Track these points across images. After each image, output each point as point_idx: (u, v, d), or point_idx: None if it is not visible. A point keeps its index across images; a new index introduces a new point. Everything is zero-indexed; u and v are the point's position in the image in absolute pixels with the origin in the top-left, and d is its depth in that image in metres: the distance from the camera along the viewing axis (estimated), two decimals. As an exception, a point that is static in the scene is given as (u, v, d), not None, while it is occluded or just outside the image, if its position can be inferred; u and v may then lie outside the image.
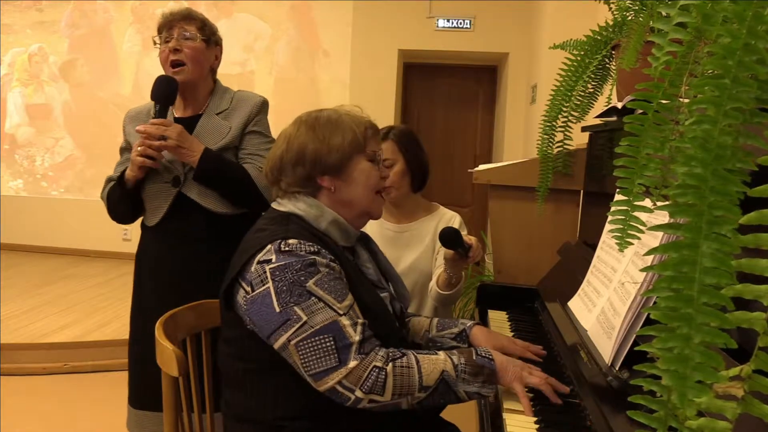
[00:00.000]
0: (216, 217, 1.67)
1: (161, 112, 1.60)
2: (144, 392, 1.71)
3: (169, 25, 1.67)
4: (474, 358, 1.11)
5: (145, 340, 1.71)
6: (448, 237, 1.57)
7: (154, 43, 1.70)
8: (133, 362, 1.77)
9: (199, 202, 1.65)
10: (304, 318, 1.06)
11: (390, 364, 1.06)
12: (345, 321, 1.07)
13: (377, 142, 1.28)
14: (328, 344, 1.05)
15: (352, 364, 1.05)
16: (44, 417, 2.70)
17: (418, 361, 1.09)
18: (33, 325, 3.54)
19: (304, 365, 1.06)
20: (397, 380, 1.06)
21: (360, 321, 1.09)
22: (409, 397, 1.07)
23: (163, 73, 1.68)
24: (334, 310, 1.07)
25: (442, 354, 1.12)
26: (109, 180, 1.75)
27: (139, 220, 1.79)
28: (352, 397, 1.05)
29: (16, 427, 2.60)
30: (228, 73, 5.55)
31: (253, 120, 1.73)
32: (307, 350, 1.05)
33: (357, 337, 1.06)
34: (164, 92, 1.61)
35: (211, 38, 1.73)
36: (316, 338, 1.05)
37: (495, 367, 1.11)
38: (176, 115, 1.73)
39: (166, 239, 1.70)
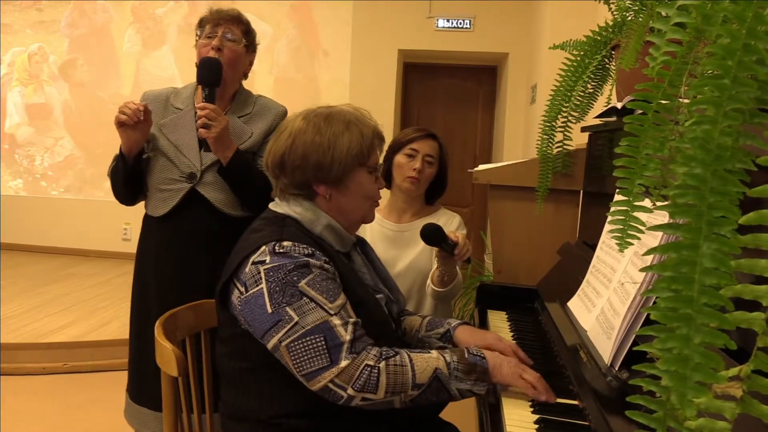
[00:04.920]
0: (224, 216, 1.69)
1: (210, 96, 1.61)
2: (145, 390, 1.72)
3: (215, 22, 1.70)
4: (466, 356, 1.12)
5: (146, 336, 1.72)
6: (428, 233, 1.58)
7: (197, 36, 1.73)
8: (133, 358, 1.78)
9: (212, 202, 1.67)
10: (296, 318, 1.06)
11: (383, 362, 1.06)
12: (336, 321, 1.07)
13: (381, 150, 1.28)
14: (319, 344, 1.05)
15: (344, 363, 1.05)
16: (44, 417, 2.70)
17: (411, 360, 1.09)
18: (33, 325, 3.54)
19: (296, 366, 1.07)
20: (390, 378, 1.06)
21: (351, 320, 1.09)
22: (402, 395, 1.07)
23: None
24: (325, 310, 1.07)
25: (434, 352, 1.13)
26: (115, 157, 1.75)
27: (141, 210, 1.79)
28: (345, 396, 1.05)
29: (16, 427, 2.60)
30: (228, 73, 5.55)
31: (275, 129, 1.75)
32: (299, 351, 1.06)
33: (348, 337, 1.06)
34: (211, 75, 1.63)
35: (252, 44, 1.78)
36: (308, 338, 1.06)
37: (487, 366, 1.12)
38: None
39: (172, 231, 1.71)
